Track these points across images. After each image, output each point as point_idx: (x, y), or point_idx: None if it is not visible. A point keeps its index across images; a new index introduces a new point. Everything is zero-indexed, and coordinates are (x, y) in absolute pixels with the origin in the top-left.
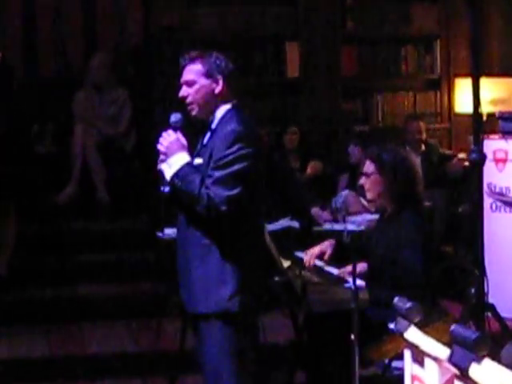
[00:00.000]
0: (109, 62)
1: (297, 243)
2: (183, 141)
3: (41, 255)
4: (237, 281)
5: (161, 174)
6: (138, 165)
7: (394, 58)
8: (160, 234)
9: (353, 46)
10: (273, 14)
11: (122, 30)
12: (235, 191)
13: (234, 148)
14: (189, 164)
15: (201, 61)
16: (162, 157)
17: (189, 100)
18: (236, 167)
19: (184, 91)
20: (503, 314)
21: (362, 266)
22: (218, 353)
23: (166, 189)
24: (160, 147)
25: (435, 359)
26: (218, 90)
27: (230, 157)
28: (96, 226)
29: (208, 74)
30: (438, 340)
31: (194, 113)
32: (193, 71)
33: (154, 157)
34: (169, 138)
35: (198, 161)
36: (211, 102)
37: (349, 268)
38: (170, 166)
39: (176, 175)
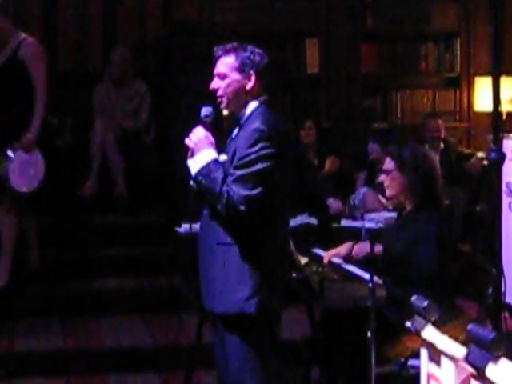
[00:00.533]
0: (129, 56)
1: (315, 240)
2: (211, 138)
3: (59, 249)
4: (255, 282)
5: (188, 169)
6: (157, 159)
7: (414, 56)
8: (178, 229)
9: (373, 43)
10: (293, 9)
11: (142, 24)
12: (255, 191)
13: (257, 147)
14: (214, 161)
15: (235, 54)
16: (189, 152)
17: (219, 93)
18: (258, 167)
19: (215, 83)
20: None
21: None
22: (238, 355)
23: (194, 184)
24: (188, 142)
25: (452, 358)
26: (249, 85)
27: (252, 156)
28: (114, 221)
29: (241, 69)
30: (455, 339)
31: (223, 106)
32: (226, 64)
33: (173, 151)
34: (198, 134)
35: (224, 157)
36: (241, 97)
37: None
38: (196, 163)
39: (200, 172)
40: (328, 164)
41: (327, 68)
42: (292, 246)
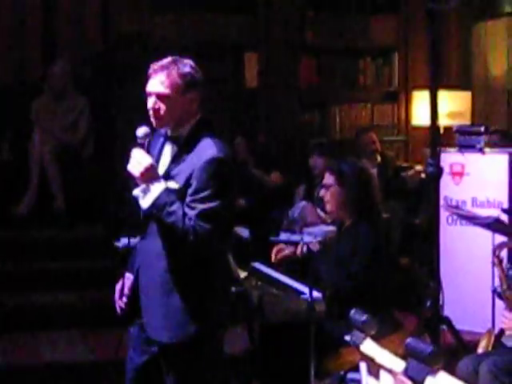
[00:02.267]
0: (69, 70)
1: (253, 253)
2: (154, 163)
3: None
4: (202, 310)
5: (135, 199)
6: (96, 172)
7: (353, 70)
8: (117, 243)
9: (312, 56)
10: (233, 23)
11: (81, 37)
12: (221, 224)
13: (218, 180)
14: (167, 192)
15: (168, 70)
16: (134, 181)
17: (158, 114)
18: (221, 201)
19: (153, 103)
20: (458, 326)
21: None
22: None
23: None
24: (132, 170)
25: (390, 372)
26: (185, 103)
27: (214, 189)
28: (53, 234)
29: (180, 87)
30: (394, 353)
31: (159, 126)
32: (163, 82)
33: (112, 165)
34: (141, 161)
35: (173, 185)
36: (182, 115)
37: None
38: (147, 195)
39: (154, 205)
40: (273, 178)
41: (266, 82)
42: (231, 260)
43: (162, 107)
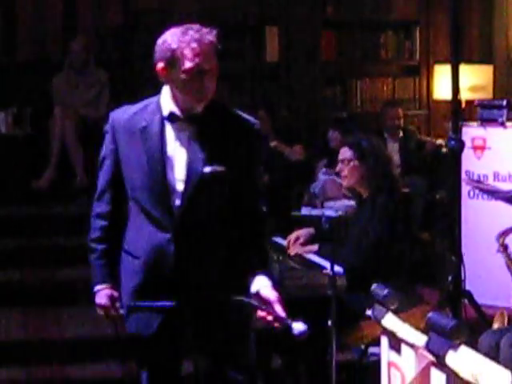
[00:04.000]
0: (89, 45)
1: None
2: None
3: (21, 238)
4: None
5: None
6: None
7: (374, 44)
8: None
9: (332, 31)
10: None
11: (102, 13)
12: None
13: (263, 151)
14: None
15: (215, 42)
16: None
17: (211, 92)
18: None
19: (213, 81)
20: (480, 301)
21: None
22: None
23: None
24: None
25: (412, 346)
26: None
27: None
28: (74, 210)
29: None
30: (415, 327)
31: (202, 105)
32: (214, 56)
33: None
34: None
35: (216, 168)
36: None
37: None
38: None
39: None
40: (295, 152)
41: (287, 56)
42: None
43: (214, 83)
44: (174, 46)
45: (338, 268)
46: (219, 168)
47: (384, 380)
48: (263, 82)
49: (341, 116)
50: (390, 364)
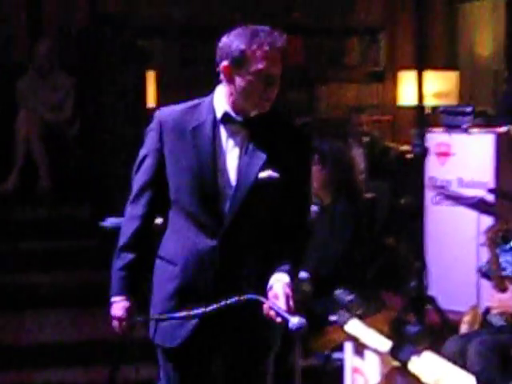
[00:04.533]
0: (55, 48)
1: None
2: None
3: None
4: None
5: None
6: (82, 152)
7: (339, 50)
8: (104, 223)
9: (299, 35)
10: (218, 2)
11: (67, 16)
12: None
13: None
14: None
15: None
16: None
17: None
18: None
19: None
20: (444, 306)
21: None
22: None
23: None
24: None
25: (376, 351)
26: None
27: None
28: (38, 214)
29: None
30: (379, 332)
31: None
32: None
33: (98, 145)
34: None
35: (271, 174)
36: None
37: None
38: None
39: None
40: None
41: None
42: None
43: (276, 91)
44: (244, 46)
45: (303, 274)
46: (274, 174)
47: None
48: None
49: (306, 121)
50: (354, 369)
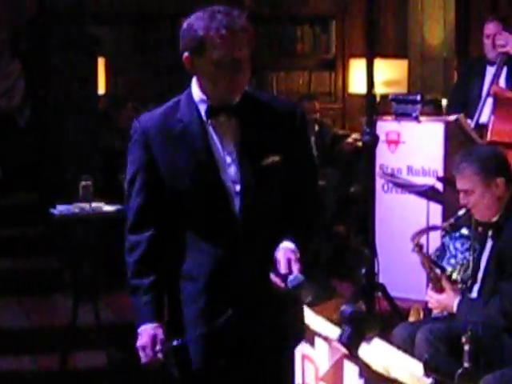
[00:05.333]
0: (4, 36)
1: None
2: None
3: None
4: None
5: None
6: (32, 140)
7: (290, 38)
8: (53, 210)
9: (250, 24)
10: None
11: (17, 5)
12: None
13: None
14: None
15: (248, 24)
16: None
17: (244, 82)
18: None
19: (245, 70)
20: (393, 293)
21: None
22: None
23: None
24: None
25: (325, 339)
26: None
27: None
28: None
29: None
30: (329, 320)
31: (237, 97)
32: (247, 42)
33: (47, 132)
34: None
35: (273, 158)
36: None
37: None
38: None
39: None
40: None
41: None
42: None
43: (248, 72)
44: (201, 32)
45: None
46: (276, 157)
47: (298, 373)
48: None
49: None
50: (303, 357)
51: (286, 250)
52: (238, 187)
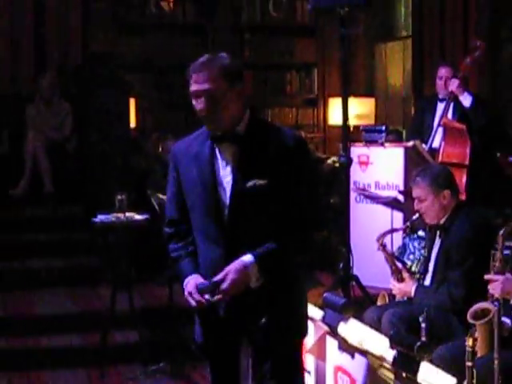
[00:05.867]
0: (55, 81)
1: None
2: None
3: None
4: None
5: None
6: (78, 163)
7: (281, 81)
8: (94, 219)
9: (249, 70)
10: (187, 44)
11: (66, 53)
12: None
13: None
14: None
15: (214, 65)
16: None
17: (213, 115)
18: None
19: (205, 103)
20: (365, 283)
21: None
22: None
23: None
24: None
25: (311, 319)
26: (238, 95)
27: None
28: (43, 213)
29: (227, 80)
30: (313, 304)
31: (215, 128)
32: (209, 78)
33: (91, 157)
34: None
35: (258, 181)
36: (238, 109)
37: None
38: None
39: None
40: None
41: None
42: None
43: (216, 106)
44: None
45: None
46: (260, 182)
47: None
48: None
49: None
50: None
51: (235, 262)
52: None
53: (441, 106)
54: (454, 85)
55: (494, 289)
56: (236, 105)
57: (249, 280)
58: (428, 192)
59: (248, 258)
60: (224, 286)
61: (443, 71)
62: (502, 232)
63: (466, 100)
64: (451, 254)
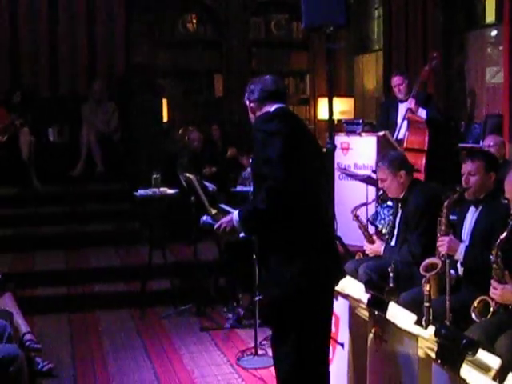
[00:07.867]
0: (104, 85)
1: (220, 199)
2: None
3: (64, 206)
4: None
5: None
6: (123, 150)
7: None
8: (135, 193)
9: (255, 77)
10: (206, 56)
11: (112, 64)
12: None
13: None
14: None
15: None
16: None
17: None
18: None
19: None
20: (346, 242)
21: None
22: None
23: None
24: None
25: None
26: None
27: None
28: (96, 188)
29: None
30: None
31: None
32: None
33: (132, 145)
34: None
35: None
36: None
37: None
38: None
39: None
40: (229, 152)
41: (228, 92)
42: (206, 200)
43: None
44: None
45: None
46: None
47: None
48: (215, 108)
49: None
50: None
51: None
52: None
53: (401, 106)
54: (411, 103)
55: (441, 247)
56: None
57: (236, 229)
58: (387, 173)
59: (235, 212)
60: (216, 225)
61: (395, 79)
62: (446, 203)
63: (422, 113)
64: (409, 221)
